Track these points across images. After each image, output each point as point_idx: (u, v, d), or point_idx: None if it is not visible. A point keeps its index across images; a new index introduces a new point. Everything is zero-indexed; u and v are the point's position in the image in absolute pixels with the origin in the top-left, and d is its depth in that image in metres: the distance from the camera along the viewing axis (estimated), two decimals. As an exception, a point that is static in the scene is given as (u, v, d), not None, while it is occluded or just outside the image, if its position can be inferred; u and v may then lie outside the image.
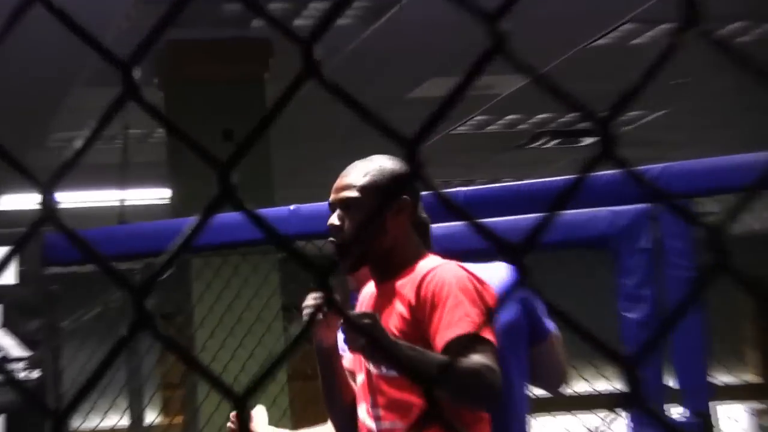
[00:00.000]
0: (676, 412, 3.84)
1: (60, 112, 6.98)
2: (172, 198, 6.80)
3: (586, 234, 3.90)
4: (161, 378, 7.56)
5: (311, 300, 2.47)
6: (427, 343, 2.40)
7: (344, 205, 2.55)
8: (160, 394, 7.49)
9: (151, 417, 5.79)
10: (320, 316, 2.44)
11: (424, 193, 2.81)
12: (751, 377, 9.39)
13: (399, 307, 2.46)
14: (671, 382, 4.01)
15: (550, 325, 2.92)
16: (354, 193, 2.55)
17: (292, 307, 4.80)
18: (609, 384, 4.66)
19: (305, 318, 2.50)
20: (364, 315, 2.39)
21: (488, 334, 2.38)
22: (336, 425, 2.68)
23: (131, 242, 4.45)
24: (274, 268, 5.62)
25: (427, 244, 2.65)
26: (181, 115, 6.22)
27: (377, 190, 2.53)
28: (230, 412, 4.72)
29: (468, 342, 2.41)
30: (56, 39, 4.70)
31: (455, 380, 2.32)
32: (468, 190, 4.00)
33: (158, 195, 8.04)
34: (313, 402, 3.19)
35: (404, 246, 2.54)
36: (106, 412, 4.77)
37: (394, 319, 2.46)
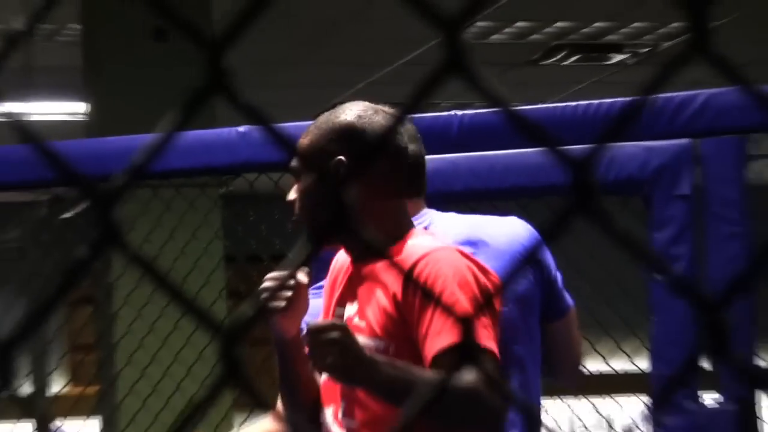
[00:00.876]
0: (710, 398, 3.91)
1: None
2: (89, 113, 6.87)
3: (613, 176, 3.96)
4: (70, 339, 7.77)
5: (270, 281, 2.50)
6: (415, 345, 2.42)
7: (292, 174, 2.60)
8: (68, 358, 7.73)
9: (58, 385, 5.97)
10: (280, 302, 2.48)
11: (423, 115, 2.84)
12: None
13: (382, 299, 2.47)
14: (705, 364, 4.16)
15: (569, 299, 2.97)
16: (294, 161, 2.59)
17: (240, 259, 4.88)
18: (630, 362, 4.79)
19: (261, 302, 2.49)
20: (332, 326, 2.41)
21: (489, 341, 2.40)
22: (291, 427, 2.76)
23: (37, 167, 4.36)
24: (216, 205, 5.68)
25: (419, 190, 2.67)
26: (102, 5, 6.31)
27: (318, 153, 2.56)
28: (156, 380, 4.81)
29: (463, 353, 2.30)
30: None
31: (448, 404, 2.33)
32: (465, 114, 4.04)
33: (70, 109, 8.13)
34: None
35: (379, 221, 2.53)
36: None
37: (375, 313, 2.47)
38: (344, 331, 2.35)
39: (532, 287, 2.77)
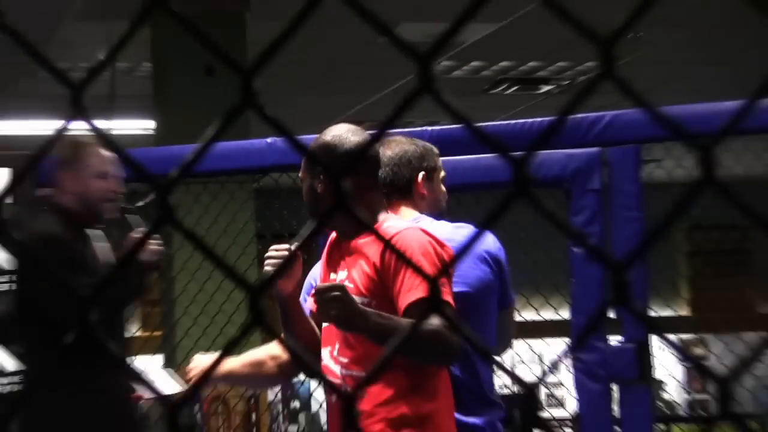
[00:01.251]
0: (615, 339, 3.92)
1: (51, 43, 6.87)
2: (156, 129, 6.81)
3: (542, 174, 3.89)
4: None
5: (274, 252, 2.53)
6: (391, 301, 2.42)
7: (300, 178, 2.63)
8: (139, 310, 7.67)
9: (131, 330, 5.92)
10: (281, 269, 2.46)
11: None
12: (683, 311, 9.47)
13: (365, 266, 2.47)
14: (612, 314, 4.10)
15: (513, 294, 2.98)
16: (300, 173, 2.60)
17: (268, 236, 4.85)
18: (555, 313, 4.73)
19: (267, 269, 2.57)
20: (334, 287, 2.38)
21: (448, 296, 2.41)
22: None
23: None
24: (250, 197, 5.65)
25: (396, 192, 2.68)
26: (167, 49, 6.26)
27: (309, 165, 2.55)
28: (204, 326, 4.75)
29: (427, 305, 2.29)
30: None
31: (419, 343, 2.33)
32: (434, 129, 3.99)
33: (143, 126, 8.02)
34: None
35: (361, 209, 2.51)
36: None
37: (360, 277, 2.48)
38: (343, 290, 2.31)
39: (494, 278, 2.77)
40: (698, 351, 8.17)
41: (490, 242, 2.80)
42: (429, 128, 3.98)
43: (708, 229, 7.26)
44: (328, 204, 2.30)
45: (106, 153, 3.40)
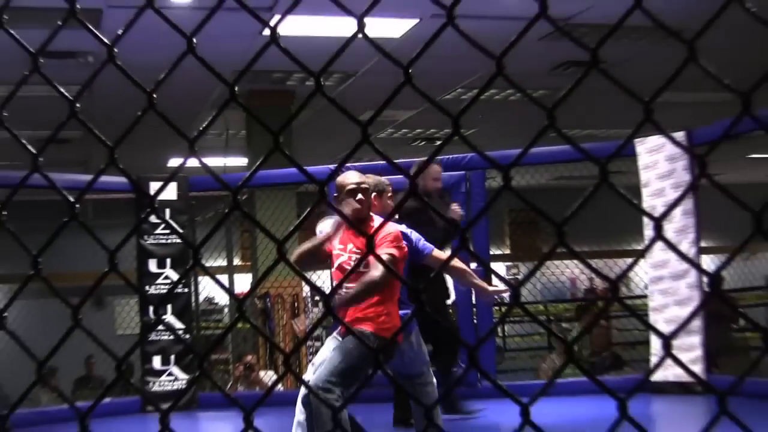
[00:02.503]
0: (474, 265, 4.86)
1: (192, 126, 7.90)
2: (248, 162, 8.23)
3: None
4: (242, 242, 9.05)
5: (324, 225, 3.10)
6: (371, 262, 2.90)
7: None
8: (240, 251, 8.96)
9: (237, 260, 7.33)
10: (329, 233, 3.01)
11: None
12: (506, 250, 12.13)
13: (359, 243, 3.03)
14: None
15: (428, 247, 3.54)
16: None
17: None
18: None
19: (319, 233, 3.16)
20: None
21: (387, 251, 2.91)
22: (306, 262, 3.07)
23: (230, 181, 5.76)
24: (294, 198, 7.05)
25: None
26: (253, 123, 7.32)
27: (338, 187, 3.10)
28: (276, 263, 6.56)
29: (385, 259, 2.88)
30: (194, 68, 5.77)
31: (370, 284, 2.89)
32: (361, 165, 4.76)
33: (241, 162, 9.21)
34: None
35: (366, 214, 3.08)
36: (216, 257, 6.35)
37: (358, 247, 3.04)
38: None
39: (411, 244, 3.43)
40: (513, 270, 11.37)
41: (404, 227, 3.41)
42: (357, 164, 4.70)
43: (517, 210, 10.33)
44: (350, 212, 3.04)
45: (435, 167, 4.42)
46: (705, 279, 5.32)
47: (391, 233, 2.98)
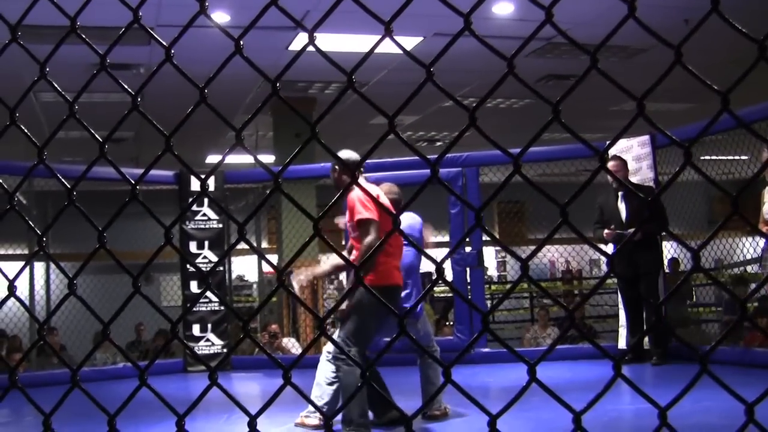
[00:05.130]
0: (468, 249, 5.20)
1: (228, 129, 7.80)
2: (275, 159, 7.98)
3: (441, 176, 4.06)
4: (269, 228, 8.83)
5: (340, 219, 3.38)
6: (355, 227, 2.97)
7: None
8: (267, 235, 8.82)
9: (264, 244, 7.52)
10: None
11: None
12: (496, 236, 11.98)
13: (347, 213, 3.09)
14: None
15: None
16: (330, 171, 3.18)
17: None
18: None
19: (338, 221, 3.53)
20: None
21: (374, 216, 2.93)
22: None
23: (258, 175, 5.84)
24: (313, 189, 6.94)
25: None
26: (278, 125, 7.66)
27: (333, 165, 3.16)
28: (293, 242, 6.01)
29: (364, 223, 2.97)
30: (229, 79, 5.20)
31: (369, 244, 2.92)
32: (375, 161, 5.48)
33: (269, 159, 8.79)
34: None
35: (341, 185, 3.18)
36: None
37: (348, 220, 3.08)
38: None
39: (416, 232, 3.56)
40: (502, 254, 11.21)
41: (415, 216, 3.51)
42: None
43: (505, 202, 10.34)
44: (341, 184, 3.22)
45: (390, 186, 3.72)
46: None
47: (355, 198, 2.95)
